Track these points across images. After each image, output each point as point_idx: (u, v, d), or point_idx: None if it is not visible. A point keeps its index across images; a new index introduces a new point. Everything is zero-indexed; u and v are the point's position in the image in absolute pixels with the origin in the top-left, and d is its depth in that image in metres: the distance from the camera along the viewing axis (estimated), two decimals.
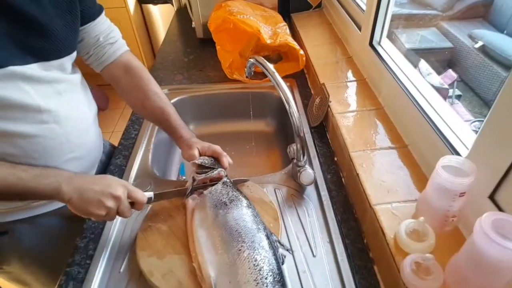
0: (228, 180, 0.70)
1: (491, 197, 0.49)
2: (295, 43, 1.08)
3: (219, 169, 0.71)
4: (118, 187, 0.59)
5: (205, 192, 0.69)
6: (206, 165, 0.71)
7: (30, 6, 0.55)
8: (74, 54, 0.68)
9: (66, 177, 0.58)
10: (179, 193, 0.70)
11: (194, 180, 0.69)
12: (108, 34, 0.75)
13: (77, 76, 0.72)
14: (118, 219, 0.71)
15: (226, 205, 0.64)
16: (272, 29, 1.14)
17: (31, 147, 0.61)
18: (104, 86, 2.60)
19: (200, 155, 0.73)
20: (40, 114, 0.60)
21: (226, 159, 0.73)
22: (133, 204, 0.62)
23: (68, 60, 0.66)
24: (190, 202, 0.68)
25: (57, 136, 0.64)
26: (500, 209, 0.48)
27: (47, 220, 0.74)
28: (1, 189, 0.55)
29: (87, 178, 0.59)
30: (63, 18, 0.61)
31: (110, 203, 0.58)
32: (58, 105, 0.63)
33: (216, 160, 0.73)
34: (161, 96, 0.78)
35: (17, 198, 0.59)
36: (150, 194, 0.64)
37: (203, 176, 0.69)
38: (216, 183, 0.70)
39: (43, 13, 0.57)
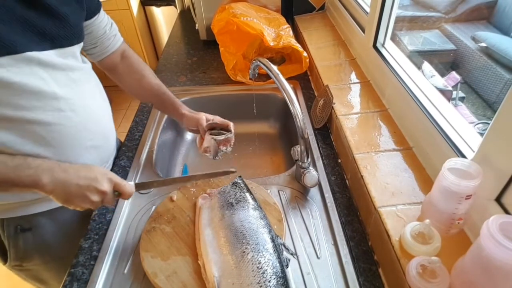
0: (240, 182, 0.71)
1: (498, 199, 0.49)
2: (298, 45, 1.08)
3: (230, 134, 0.79)
4: (103, 181, 0.58)
5: (215, 191, 0.70)
6: (219, 129, 0.79)
7: None
8: (82, 43, 0.70)
9: (46, 168, 0.56)
10: (162, 183, 0.71)
11: (214, 140, 0.76)
12: (110, 26, 0.78)
13: (89, 66, 0.74)
14: (122, 222, 0.71)
15: (233, 206, 0.64)
16: (275, 31, 1.14)
17: (50, 134, 0.62)
18: (107, 87, 2.61)
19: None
20: (57, 102, 0.62)
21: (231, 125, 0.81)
22: (120, 194, 0.62)
23: (78, 49, 0.68)
24: (200, 200, 0.69)
25: (74, 124, 0.65)
26: (507, 212, 0.48)
27: (66, 215, 0.75)
28: None
29: (71, 170, 0.58)
30: (70, 5, 0.63)
31: (95, 198, 0.58)
32: (74, 93, 0.65)
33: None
34: (155, 76, 0.85)
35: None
36: (132, 184, 0.65)
37: (222, 137, 0.77)
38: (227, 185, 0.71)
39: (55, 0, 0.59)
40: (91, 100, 0.70)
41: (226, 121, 0.81)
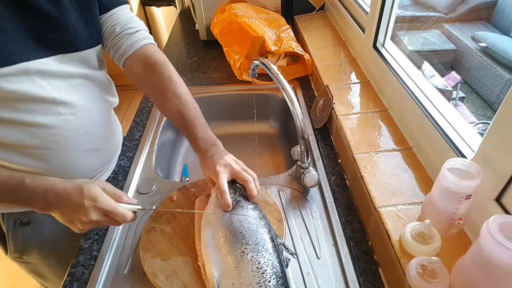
0: (238, 184, 0.70)
1: (498, 199, 0.49)
2: (300, 49, 1.08)
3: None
4: (89, 211, 0.53)
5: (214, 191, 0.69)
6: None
7: (44, 0, 0.57)
8: (99, 47, 0.68)
9: (40, 193, 0.55)
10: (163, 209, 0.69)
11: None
12: (126, 24, 0.70)
13: (101, 73, 0.72)
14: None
15: (232, 206, 0.64)
16: (276, 33, 1.14)
17: (49, 138, 0.62)
18: None
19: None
20: (56, 106, 0.62)
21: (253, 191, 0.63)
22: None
23: (92, 53, 0.66)
24: (199, 201, 0.68)
25: (74, 127, 0.65)
26: (507, 212, 0.48)
27: None
28: None
29: (62, 195, 0.55)
30: (79, 10, 0.62)
31: (85, 226, 0.55)
32: (74, 98, 0.64)
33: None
34: (181, 97, 0.69)
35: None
36: (134, 208, 0.59)
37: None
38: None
39: (56, 7, 0.59)
40: (93, 104, 0.69)
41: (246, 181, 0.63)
